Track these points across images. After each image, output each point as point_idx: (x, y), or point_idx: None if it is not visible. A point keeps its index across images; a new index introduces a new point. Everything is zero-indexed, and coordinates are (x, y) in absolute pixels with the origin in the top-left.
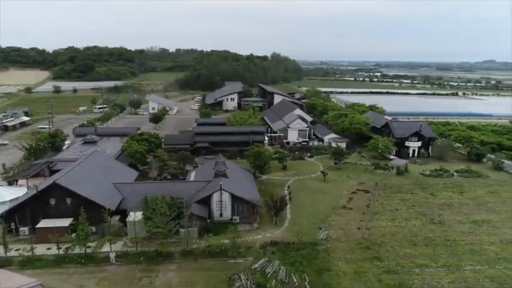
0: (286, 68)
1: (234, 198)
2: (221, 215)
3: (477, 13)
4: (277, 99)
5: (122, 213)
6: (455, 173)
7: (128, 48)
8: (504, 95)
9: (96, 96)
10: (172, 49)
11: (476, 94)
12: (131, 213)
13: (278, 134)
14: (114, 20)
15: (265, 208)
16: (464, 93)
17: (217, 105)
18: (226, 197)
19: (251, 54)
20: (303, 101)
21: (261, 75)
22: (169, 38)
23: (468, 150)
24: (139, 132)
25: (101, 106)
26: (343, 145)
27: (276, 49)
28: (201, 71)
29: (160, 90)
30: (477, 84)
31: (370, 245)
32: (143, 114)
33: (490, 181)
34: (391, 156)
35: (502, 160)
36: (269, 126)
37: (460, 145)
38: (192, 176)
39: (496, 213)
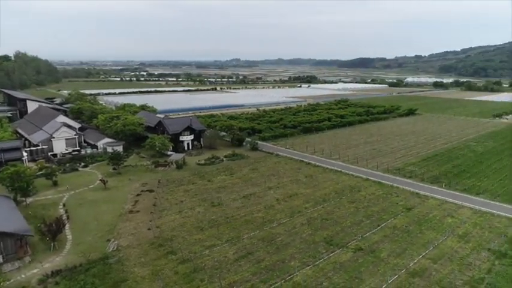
0: (38, 69)
1: None
2: None
3: (225, 19)
4: (31, 106)
5: None
6: (224, 158)
7: None
8: (250, 88)
9: None
10: None
11: (230, 88)
12: None
13: (40, 147)
14: None
15: (38, 235)
16: (221, 88)
17: None
18: None
19: None
20: (66, 106)
21: (4, 79)
22: None
23: (231, 137)
24: None
25: None
26: (119, 148)
27: (20, 47)
28: None
29: None
30: (230, 80)
31: (162, 242)
32: None
33: (250, 160)
34: (169, 152)
35: (256, 142)
36: (26, 139)
37: (224, 133)
38: None
39: (258, 185)
